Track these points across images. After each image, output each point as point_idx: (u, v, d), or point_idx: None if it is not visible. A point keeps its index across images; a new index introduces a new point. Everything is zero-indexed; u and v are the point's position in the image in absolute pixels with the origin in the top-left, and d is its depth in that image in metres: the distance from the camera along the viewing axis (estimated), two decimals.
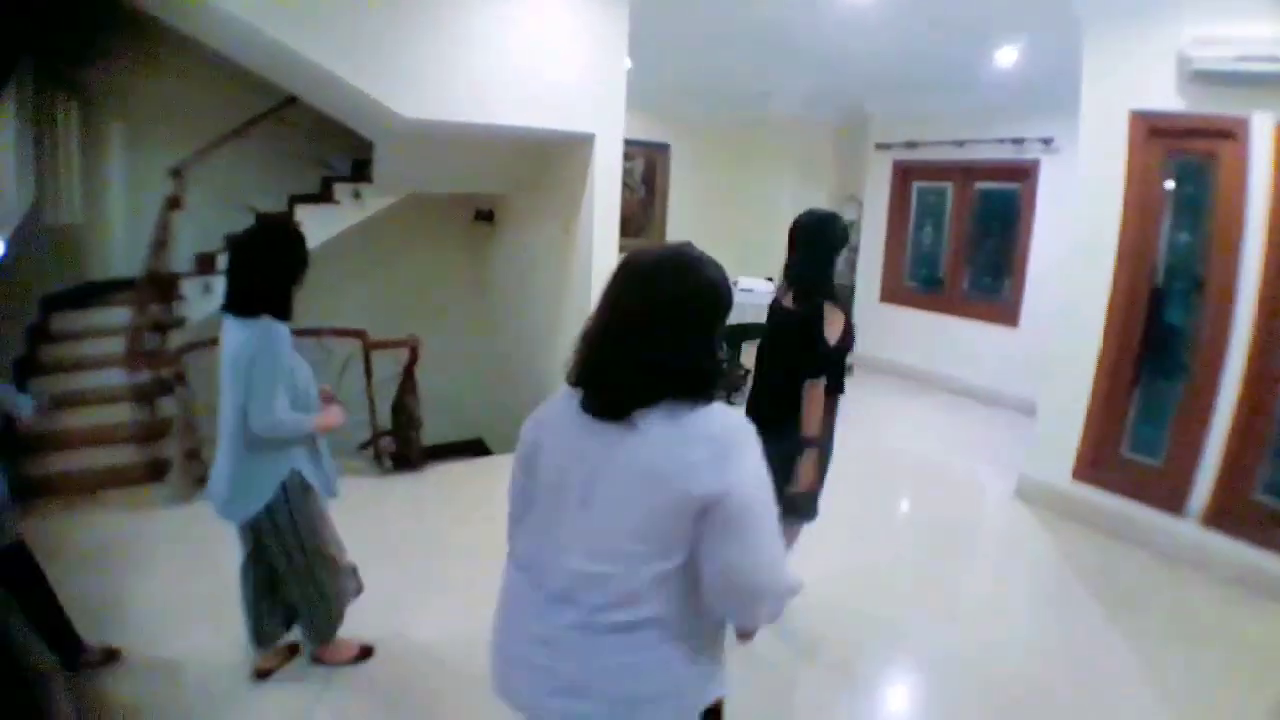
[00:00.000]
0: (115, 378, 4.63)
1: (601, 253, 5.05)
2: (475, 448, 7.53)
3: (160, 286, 4.94)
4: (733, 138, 8.05)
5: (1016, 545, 4.06)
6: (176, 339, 5.04)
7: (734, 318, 4.89)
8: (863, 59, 5.65)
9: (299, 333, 4.18)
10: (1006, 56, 5.09)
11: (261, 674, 2.62)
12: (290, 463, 2.35)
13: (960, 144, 6.38)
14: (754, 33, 5.15)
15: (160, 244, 4.90)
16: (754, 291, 6.42)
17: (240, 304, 2.28)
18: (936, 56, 5.44)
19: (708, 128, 7.96)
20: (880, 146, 7.13)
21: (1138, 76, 3.75)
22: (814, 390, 2.58)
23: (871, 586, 3.48)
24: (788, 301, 2.71)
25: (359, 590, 2.72)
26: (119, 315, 4.95)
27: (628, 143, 8.07)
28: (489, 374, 7.46)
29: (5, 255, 4.29)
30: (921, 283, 7.20)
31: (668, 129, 7.96)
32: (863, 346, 7.17)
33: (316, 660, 2.70)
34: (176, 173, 5.23)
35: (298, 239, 2.39)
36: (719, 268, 1.30)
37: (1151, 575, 3.66)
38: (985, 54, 5.13)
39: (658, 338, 1.22)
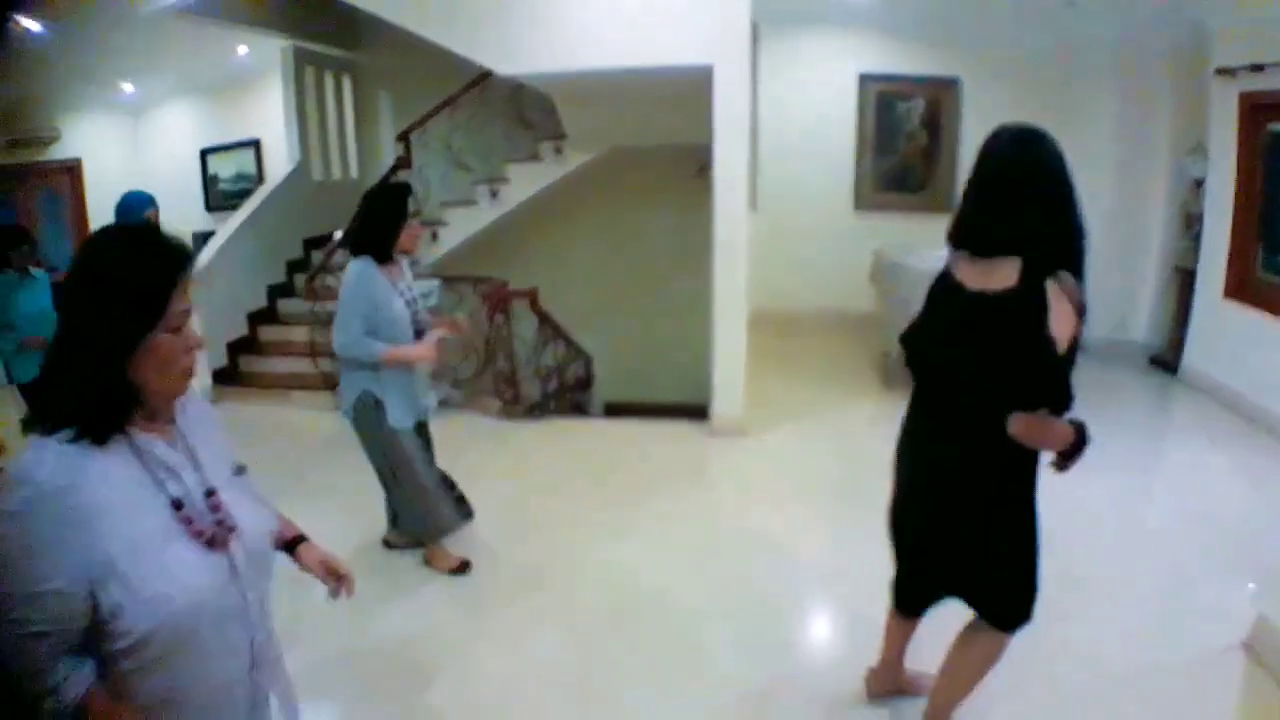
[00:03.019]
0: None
1: (725, 212, 4.37)
2: (700, 412, 7.36)
3: None
4: (1038, 68, 6.24)
5: None
6: None
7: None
8: None
9: (447, 278, 4.64)
10: None
11: (386, 543, 3.24)
12: (364, 383, 2.73)
13: None
14: None
15: None
16: None
17: (351, 245, 2.76)
18: None
19: (1007, 57, 6.30)
20: (1222, 73, 4.76)
21: None
22: (1023, 425, 1.65)
23: None
24: (971, 278, 1.72)
25: (467, 516, 3.15)
26: None
27: (904, 79, 6.92)
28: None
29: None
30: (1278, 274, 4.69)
31: (957, 60, 6.52)
32: (1192, 357, 5.09)
33: (426, 563, 3.10)
34: (404, 136, 6.03)
35: (397, 196, 2.74)
36: None
37: None
38: None
39: None
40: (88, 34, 5.23)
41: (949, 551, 1.91)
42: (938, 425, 1.87)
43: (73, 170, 7.20)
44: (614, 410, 6.43)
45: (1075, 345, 1.64)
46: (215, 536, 1.05)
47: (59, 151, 7.12)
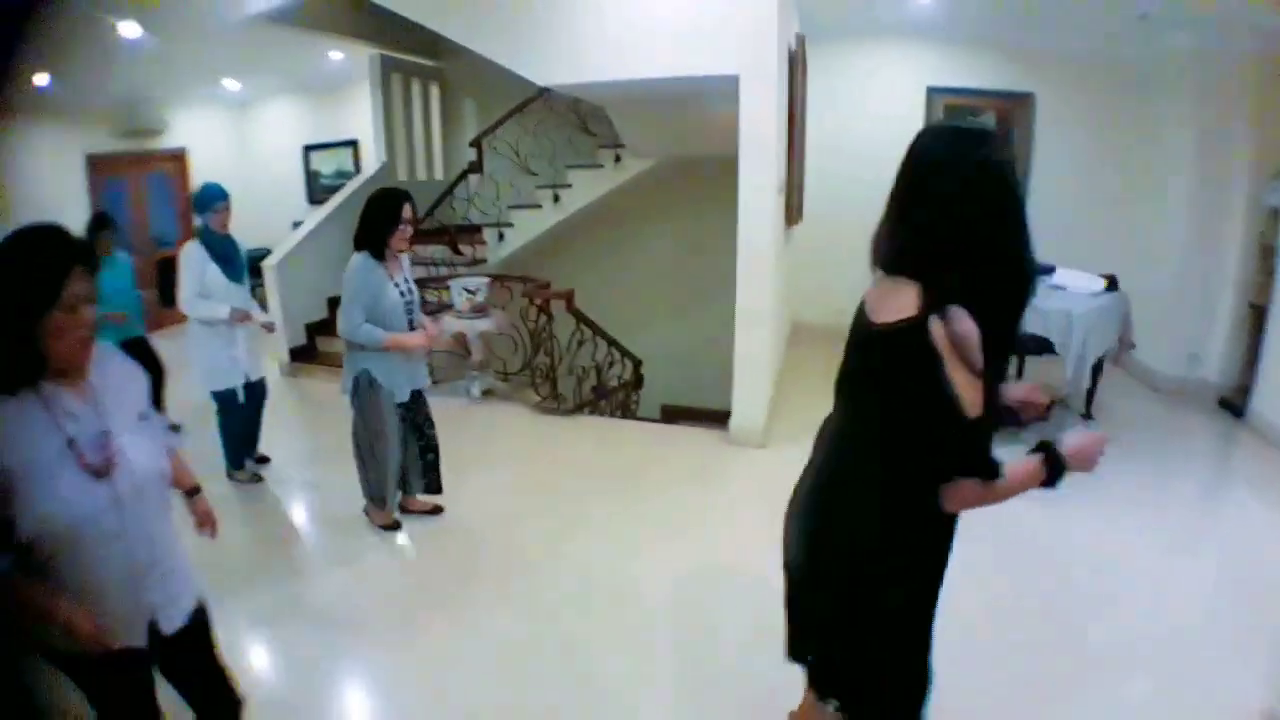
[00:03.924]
0: None
1: (749, 224, 4.43)
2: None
3: (447, 233, 6.31)
4: (1114, 84, 5.96)
5: None
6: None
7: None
8: None
9: (495, 277, 5.11)
10: None
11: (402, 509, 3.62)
12: (364, 364, 3.10)
13: None
14: None
15: (442, 199, 6.25)
16: (1066, 290, 4.74)
17: (354, 241, 3.06)
18: None
19: (1082, 71, 6.07)
20: None
21: None
22: (956, 501, 1.34)
23: None
24: (873, 301, 1.43)
25: (431, 489, 3.52)
26: (430, 250, 6.52)
27: (974, 93, 6.73)
28: None
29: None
30: None
31: (1030, 73, 6.31)
32: (1260, 402, 4.88)
33: (365, 514, 3.55)
34: (475, 143, 6.47)
35: (390, 202, 3.00)
36: None
37: None
38: None
39: None
40: (188, 36, 5.77)
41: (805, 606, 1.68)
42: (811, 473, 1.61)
43: (179, 158, 8.14)
44: (670, 414, 6.61)
45: (993, 405, 1.27)
46: (100, 469, 1.35)
47: (167, 141, 8.00)
